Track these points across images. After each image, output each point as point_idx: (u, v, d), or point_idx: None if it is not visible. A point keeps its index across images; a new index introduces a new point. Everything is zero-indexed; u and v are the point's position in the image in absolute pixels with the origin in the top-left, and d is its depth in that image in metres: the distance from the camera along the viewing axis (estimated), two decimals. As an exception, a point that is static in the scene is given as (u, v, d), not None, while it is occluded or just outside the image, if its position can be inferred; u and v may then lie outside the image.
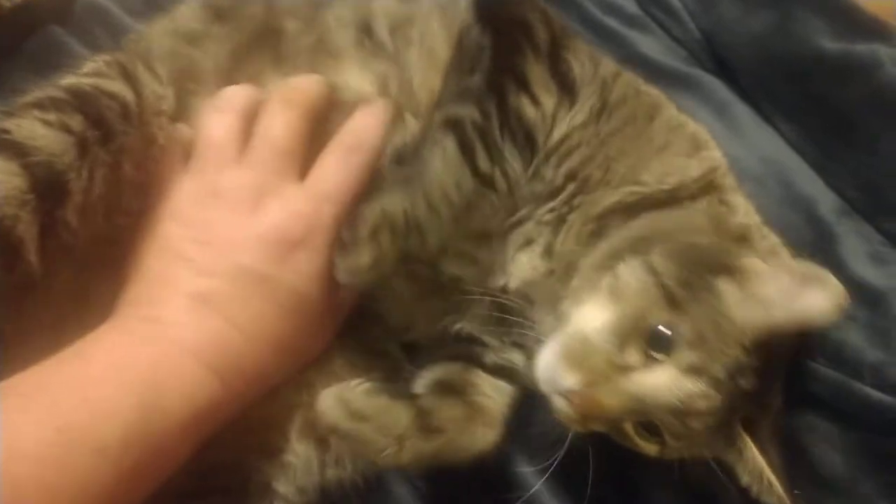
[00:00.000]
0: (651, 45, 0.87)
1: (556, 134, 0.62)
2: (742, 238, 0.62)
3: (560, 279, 0.62)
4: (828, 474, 0.65)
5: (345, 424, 0.59)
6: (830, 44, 0.77)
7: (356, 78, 0.66)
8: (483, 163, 0.60)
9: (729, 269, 0.58)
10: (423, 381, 0.64)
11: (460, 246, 0.63)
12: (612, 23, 0.88)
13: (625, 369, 0.56)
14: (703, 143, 0.67)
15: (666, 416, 0.56)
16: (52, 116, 0.56)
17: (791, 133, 0.80)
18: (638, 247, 0.59)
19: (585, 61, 0.65)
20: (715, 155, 0.67)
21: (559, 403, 0.58)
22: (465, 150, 0.59)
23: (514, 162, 0.61)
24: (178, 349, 0.53)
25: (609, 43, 0.85)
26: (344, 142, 0.62)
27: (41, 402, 0.48)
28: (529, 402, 0.67)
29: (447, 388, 0.63)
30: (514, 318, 0.62)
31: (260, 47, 0.68)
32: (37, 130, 0.55)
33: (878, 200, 0.75)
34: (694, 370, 0.55)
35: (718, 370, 0.55)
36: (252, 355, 0.56)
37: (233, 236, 0.57)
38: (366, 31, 0.68)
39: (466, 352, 0.65)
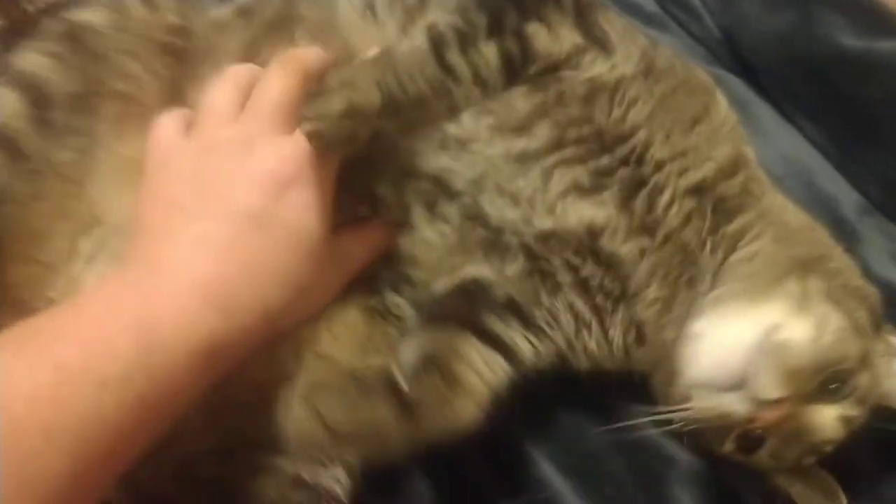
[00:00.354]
0: (670, 43, 0.86)
1: (590, 66, 0.62)
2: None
3: (673, 253, 0.63)
4: (853, 476, 0.65)
5: (327, 443, 0.59)
6: (852, 42, 0.76)
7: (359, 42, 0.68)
8: (452, 57, 0.60)
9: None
10: (408, 355, 0.63)
11: (493, 176, 0.63)
12: (631, 21, 0.87)
13: (810, 398, 0.59)
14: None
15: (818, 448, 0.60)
16: (44, 45, 0.66)
17: (813, 132, 0.80)
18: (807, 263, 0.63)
19: (620, 29, 0.65)
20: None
21: (741, 409, 0.59)
22: (435, 45, 0.60)
23: (495, 69, 0.61)
24: (174, 289, 0.54)
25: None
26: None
27: (35, 345, 0.49)
28: (552, 399, 0.68)
29: (431, 363, 0.62)
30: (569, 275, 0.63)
31: (277, 32, 0.70)
32: (34, 59, 0.66)
33: (899, 198, 0.75)
34: (847, 421, 0.59)
35: (858, 424, 0.60)
36: (253, 290, 0.56)
37: (227, 179, 0.59)
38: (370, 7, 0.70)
39: (468, 313, 0.65)
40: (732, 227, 0.63)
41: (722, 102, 0.67)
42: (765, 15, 0.82)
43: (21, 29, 0.69)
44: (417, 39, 0.61)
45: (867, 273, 0.71)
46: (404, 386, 0.60)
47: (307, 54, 0.64)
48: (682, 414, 0.61)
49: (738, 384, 0.59)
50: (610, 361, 0.66)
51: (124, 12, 0.69)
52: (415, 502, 0.66)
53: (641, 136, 0.62)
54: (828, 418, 0.59)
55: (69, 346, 0.49)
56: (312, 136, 0.58)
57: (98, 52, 0.68)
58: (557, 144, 0.62)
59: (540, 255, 0.63)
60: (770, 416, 0.58)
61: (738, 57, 0.85)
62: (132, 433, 0.50)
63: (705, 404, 0.60)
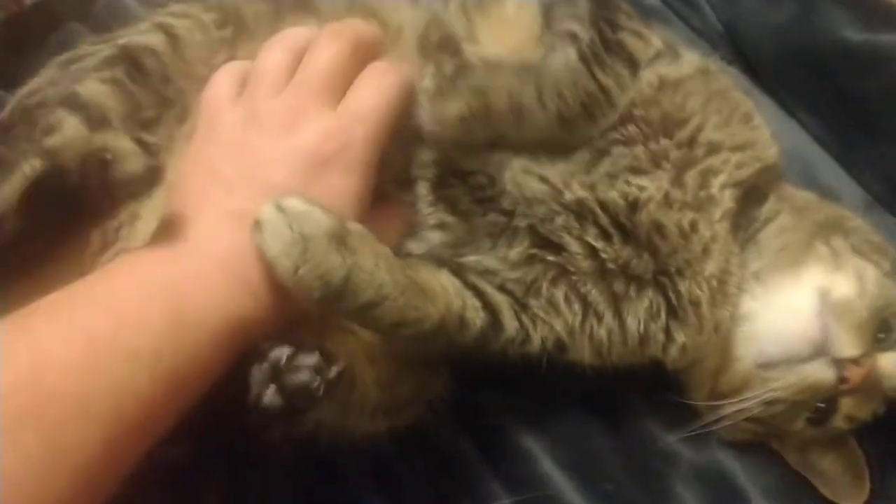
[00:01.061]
0: (671, 36, 0.86)
1: (658, 68, 0.64)
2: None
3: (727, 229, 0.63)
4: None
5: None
6: (854, 35, 0.76)
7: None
8: (600, 73, 0.61)
9: None
10: None
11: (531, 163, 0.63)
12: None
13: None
14: None
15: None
16: (106, 73, 0.66)
17: (814, 125, 0.80)
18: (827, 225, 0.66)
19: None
20: None
21: (821, 372, 0.60)
22: (584, 59, 0.61)
23: (624, 78, 0.62)
24: (206, 262, 0.54)
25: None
26: (379, 66, 0.63)
27: (66, 315, 0.49)
28: (552, 394, 0.68)
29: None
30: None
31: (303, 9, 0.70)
32: (96, 89, 0.65)
33: (899, 195, 0.75)
34: None
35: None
36: None
37: (266, 156, 0.59)
38: None
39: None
40: (763, 210, 0.66)
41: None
42: (766, 8, 0.82)
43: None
44: (570, 53, 0.61)
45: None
46: None
47: (360, 25, 0.64)
48: (759, 398, 0.61)
49: (816, 352, 0.60)
50: (619, 352, 0.63)
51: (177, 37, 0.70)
52: (414, 499, 0.66)
53: (696, 120, 0.63)
54: (894, 364, 0.61)
55: (100, 316, 0.49)
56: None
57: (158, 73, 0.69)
58: (622, 122, 0.63)
59: (550, 238, 0.62)
60: (859, 372, 0.59)
61: (739, 50, 0.84)
62: (163, 407, 0.50)
63: (791, 380, 0.61)
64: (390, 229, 0.63)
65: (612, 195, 0.62)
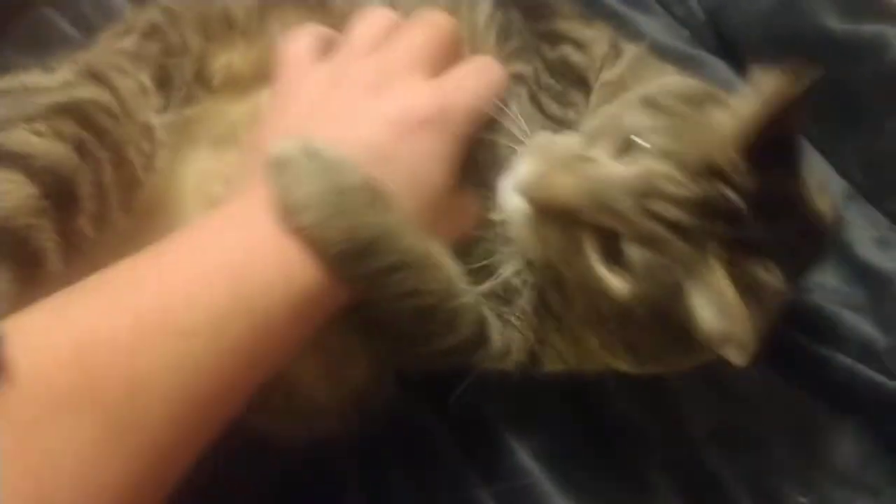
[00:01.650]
0: (653, 25, 0.85)
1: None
2: None
3: None
4: (836, 462, 0.65)
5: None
6: (837, 24, 0.76)
7: None
8: (556, 109, 0.60)
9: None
10: None
11: None
12: (613, 3, 0.86)
13: (590, 160, 0.52)
14: None
15: (628, 206, 0.49)
16: (41, 126, 0.53)
17: (796, 115, 0.79)
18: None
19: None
20: None
21: (515, 203, 0.54)
22: (536, 102, 0.60)
23: (579, 105, 0.61)
24: (274, 230, 0.49)
25: (611, 24, 0.84)
26: (478, 59, 0.60)
27: (111, 292, 0.47)
28: (526, 385, 0.66)
29: None
30: None
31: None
32: (30, 140, 0.52)
33: (884, 183, 0.74)
34: (661, 154, 0.51)
35: (690, 160, 0.50)
36: None
37: (351, 115, 0.55)
38: None
39: None
40: None
41: None
42: (749, -3, 0.81)
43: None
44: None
45: (852, 257, 0.71)
46: None
47: (449, 20, 0.60)
48: None
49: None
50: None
51: None
52: (391, 491, 0.65)
53: None
54: (627, 167, 0.52)
55: (148, 294, 0.46)
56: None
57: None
58: None
59: None
60: (534, 189, 0.54)
61: (722, 39, 0.83)
62: (234, 381, 0.47)
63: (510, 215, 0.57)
64: (463, 219, 0.60)
65: None
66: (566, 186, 0.51)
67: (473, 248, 0.60)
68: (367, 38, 0.59)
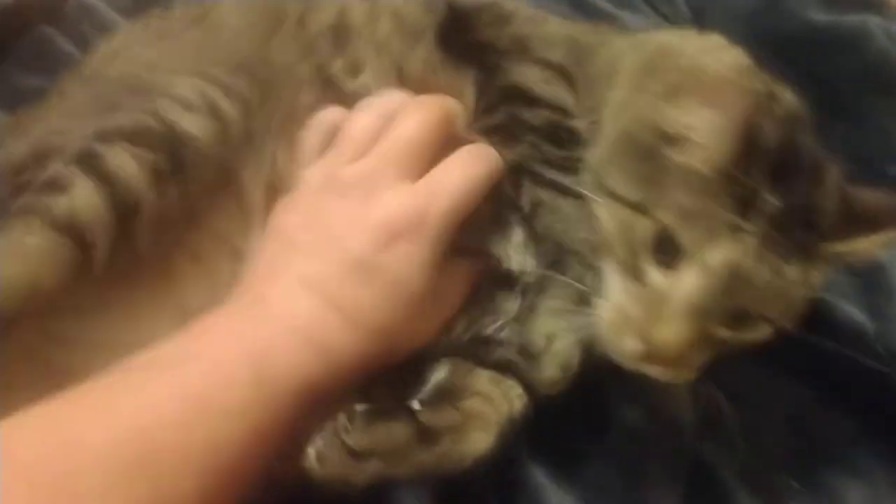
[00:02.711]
0: (638, 22, 0.86)
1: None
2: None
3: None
4: (829, 448, 0.66)
5: (342, 469, 0.58)
6: (820, 16, 0.77)
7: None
8: (565, 181, 0.62)
9: (661, 134, 0.57)
10: (424, 389, 0.64)
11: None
12: (600, 2, 0.87)
13: (662, 297, 0.56)
14: None
15: (749, 300, 0.55)
16: (141, 151, 0.60)
17: (780, 107, 0.80)
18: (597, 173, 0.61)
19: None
20: None
21: (648, 369, 0.57)
22: (542, 183, 0.62)
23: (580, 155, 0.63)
24: (283, 326, 0.56)
25: (598, 23, 0.85)
26: (470, 150, 0.63)
27: (161, 373, 0.52)
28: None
29: (444, 394, 0.63)
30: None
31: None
32: (127, 163, 0.60)
33: (869, 175, 0.74)
34: (711, 241, 0.54)
35: (729, 218, 0.53)
36: (352, 338, 0.57)
37: (342, 223, 0.59)
38: None
39: (472, 350, 0.65)
40: None
41: None
42: (734, -7, 0.82)
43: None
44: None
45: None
46: (419, 413, 0.60)
47: (450, 100, 0.64)
48: None
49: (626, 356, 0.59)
50: None
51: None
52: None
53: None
54: (692, 272, 0.55)
55: (194, 373, 0.52)
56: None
57: None
58: None
59: None
60: (652, 356, 0.57)
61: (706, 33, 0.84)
62: (249, 460, 0.52)
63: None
64: (461, 292, 0.64)
65: None
66: (678, 334, 0.55)
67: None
68: (363, 135, 0.63)
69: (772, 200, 0.53)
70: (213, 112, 0.64)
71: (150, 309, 0.63)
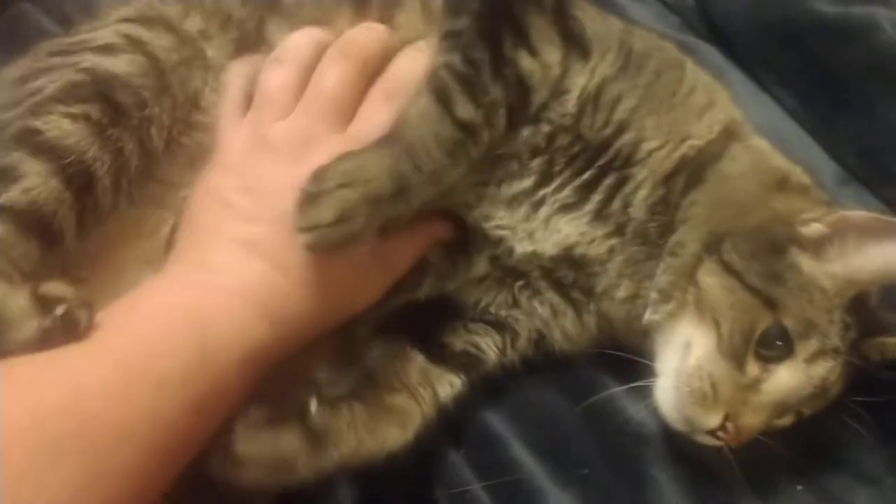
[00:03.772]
0: (643, 12, 0.84)
1: (575, 85, 0.62)
2: (784, 181, 0.64)
3: (638, 246, 0.63)
4: (835, 452, 0.64)
5: (244, 478, 0.57)
6: (828, 7, 0.75)
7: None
8: (463, 110, 0.58)
9: (796, 241, 0.60)
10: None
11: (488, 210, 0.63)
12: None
13: (753, 385, 0.59)
14: (719, 93, 0.68)
15: (806, 402, 0.60)
16: (75, 109, 0.59)
17: (787, 99, 0.78)
18: (709, 243, 0.61)
19: (595, 17, 0.65)
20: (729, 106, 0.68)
21: (708, 440, 0.60)
22: (442, 100, 0.58)
23: (502, 109, 0.59)
24: (227, 291, 0.55)
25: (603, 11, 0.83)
26: (384, 88, 0.62)
27: (95, 343, 0.50)
28: (522, 379, 0.66)
29: (366, 384, 0.62)
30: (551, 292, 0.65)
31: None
32: (65, 127, 0.58)
33: (876, 166, 0.73)
34: (816, 355, 0.58)
35: (834, 341, 0.59)
36: (297, 298, 0.57)
37: (276, 184, 0.59)
38: None
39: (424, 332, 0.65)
40: (688, 199, 0.63)
41: (692, 71, 0.67)
42: (739, -19, 0.80)
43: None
44: (423, 100, 0.58)
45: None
46: (312, 417, 0.59)
47: (368, 38, 0.63)
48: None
49: (691, 428, 0.60)
50: (587, 341, 0.66)
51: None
52: (382, 484, 0.64)
53: (628, 137, 0.62)
54: (790, 375, 0.59)
55: (129, 344, 0.50)
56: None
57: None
58: (547, 177, 0.63)
59: (515, 270, 0.65)
60: (730, 436, 0.58)
61: (711, 24, 0.82)
62: (190, 434, 0.51)
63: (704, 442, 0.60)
64: (411, 254, 0.63)
65: (549, 247, 0.63)
66: (759, 424, 0.59)
67: None
68: (284, 90, 0.62)
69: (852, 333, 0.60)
70: (138, 46, 0.63)
71: (127, 263, 0.63)
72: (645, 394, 0.62)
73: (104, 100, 0.60)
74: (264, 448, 0.56)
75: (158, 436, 0.48)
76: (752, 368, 0.59)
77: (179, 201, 0.63)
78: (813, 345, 0.58)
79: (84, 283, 0.61)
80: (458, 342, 0.65)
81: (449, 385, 0.64)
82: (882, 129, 0.72)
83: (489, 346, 0.66)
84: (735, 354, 0.58)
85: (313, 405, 0.59)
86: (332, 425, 0.59)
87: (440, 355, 0.65)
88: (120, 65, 0.61)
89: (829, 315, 0.59)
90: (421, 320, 0.65)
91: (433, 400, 0.63)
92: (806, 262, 0.59)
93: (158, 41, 0.63)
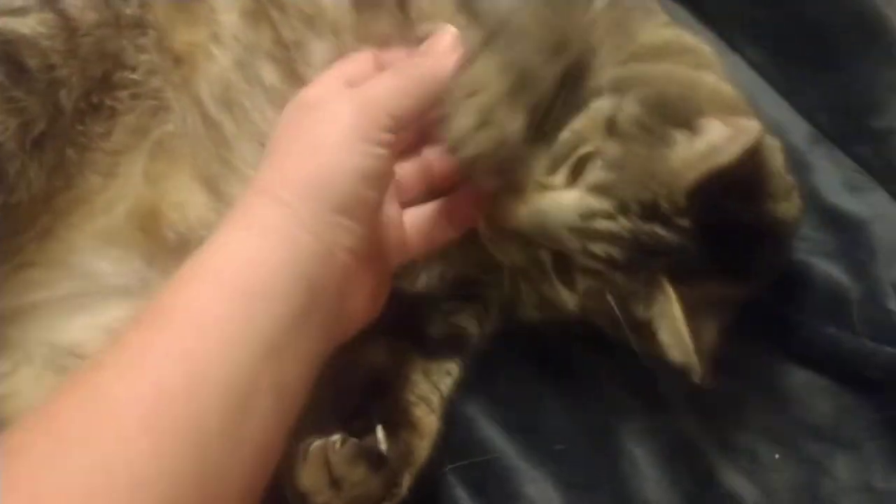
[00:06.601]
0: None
1: None
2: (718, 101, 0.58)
3: None
4: (813, 419, 0.63)
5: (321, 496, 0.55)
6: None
7: None
8: None
9: (690, 125, 0.53)
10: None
11: None
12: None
13: (546, 188, 0.54)
14: None
15: (568, 238, 0.53)
16: None
17: (757, 58, 0.76)
18: (620, 86, 0.56)
19: None
20: None
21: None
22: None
23: None
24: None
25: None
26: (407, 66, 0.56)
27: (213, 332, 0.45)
28: (494, 360, 0.64)
29: (392, 409, 0.60)
30: None
31: None
32: None
33: (849, 123, 0.72)
34: (601, 189, 0.52)
35: (630, 198, 0.52)
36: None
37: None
38: None
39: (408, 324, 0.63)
40: None
41: None
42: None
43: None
44: None
45: (820, 202, 0.69)
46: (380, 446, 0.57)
47: (434, 70, 0.54)
48: None
49: None
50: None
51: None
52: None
53: None
54: (570, 196, 0.54)
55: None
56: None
57: None
58: None
59: None
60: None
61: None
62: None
63: None
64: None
65: None
66: (519, 217, 0.54)
67: None
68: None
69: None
70: (50, 4, 0.58)
71: (83, 242, 0.60)
72: (620, 366, 0.60)
73: (9, 61, 0.56)
74: (355, 478, 0.55)
75: (269, 437, 0.46)
76: (557, 178, 0.55)
77: (136, 171, 0.60)
78: (606, 178, 0.53)
79: (31, 267, 0.59)
80: (441, 328, 0.64)
81: (447, 374, 0.63)
82: (855, 84, 0.70)
83: (469, 320, 0.64)
84: (555, 159, 0.55)
85: (380, 432, 0.57)
86: (395, 455, 0.57)
87: (432, 348, 0.63)
88: (29, 23, 0.57)
89: (650, 184, 0.52)
90: (404, 318, 0.62)
91: (441, 401, 0.62)
92: (682, 143, 0.53)
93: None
